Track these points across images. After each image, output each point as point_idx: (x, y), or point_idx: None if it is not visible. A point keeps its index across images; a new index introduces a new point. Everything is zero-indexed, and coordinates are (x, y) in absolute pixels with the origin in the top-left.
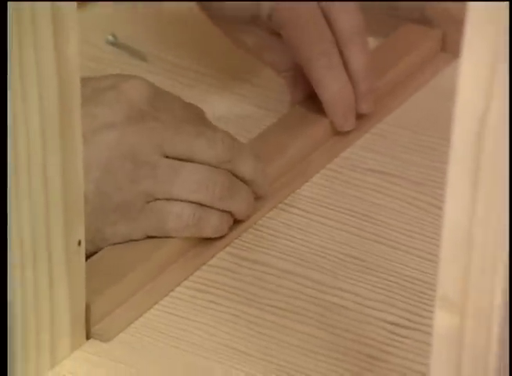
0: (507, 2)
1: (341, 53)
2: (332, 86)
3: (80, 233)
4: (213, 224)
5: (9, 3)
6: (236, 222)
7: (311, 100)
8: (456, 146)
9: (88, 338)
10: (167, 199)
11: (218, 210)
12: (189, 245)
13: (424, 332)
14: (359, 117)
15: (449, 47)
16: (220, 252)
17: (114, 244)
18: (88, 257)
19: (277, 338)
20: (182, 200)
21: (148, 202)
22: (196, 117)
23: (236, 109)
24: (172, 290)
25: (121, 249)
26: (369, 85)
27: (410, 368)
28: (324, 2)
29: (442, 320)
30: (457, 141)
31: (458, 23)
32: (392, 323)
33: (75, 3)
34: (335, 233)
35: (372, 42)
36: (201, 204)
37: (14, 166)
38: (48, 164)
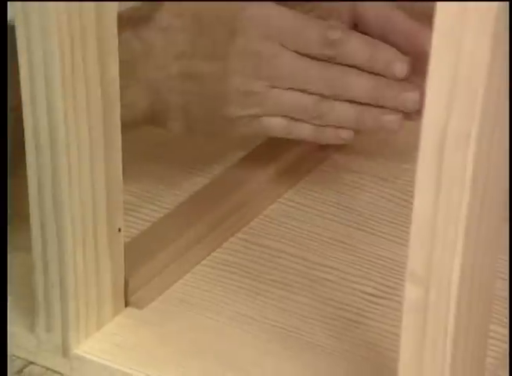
0: (507, 2)
1: None
2: None
3: (119, 222)
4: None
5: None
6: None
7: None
8: (423, 150)
9: (126, 305)
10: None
11: None
12: (207, 230)
13: (396, 301)
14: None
15: None
16: (231, 237)
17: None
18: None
19: (277, 306)
20: None
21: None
22: None
23: None
24: (193, 267)
25: (152, 234)
26: None
27: (384, 329)
28: None
29: (411, 291)
30: (424, 146)
31: None
32: (369, 294)
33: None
34: (323, 222)
35: None
36: None
37: (67, 170)
38: (95, 169)
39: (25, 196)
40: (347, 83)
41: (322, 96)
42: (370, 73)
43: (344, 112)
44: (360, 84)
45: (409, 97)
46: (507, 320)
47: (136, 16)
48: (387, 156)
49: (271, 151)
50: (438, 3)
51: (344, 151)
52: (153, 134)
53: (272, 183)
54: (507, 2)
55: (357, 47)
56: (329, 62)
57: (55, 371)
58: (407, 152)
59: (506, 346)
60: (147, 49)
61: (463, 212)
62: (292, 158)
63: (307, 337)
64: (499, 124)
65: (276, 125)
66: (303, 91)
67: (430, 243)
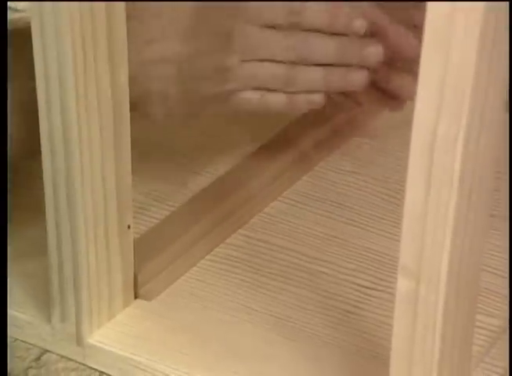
0: (507, 2)
1: None
2: None
3: (129, 219)
4: None
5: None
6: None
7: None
8: (413, 152)
9: (135, 297)
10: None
11: None
12: (211, 226)
13: (388, 293)
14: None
15: None
16: (234, 233)
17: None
18: None
19: (276, 298)
20: None
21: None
22: None
23: None
24: (199, 262)
25: (160, 230)
26: None
27: (377, 320)
28: None
29: (402, 284)
30: (414, 148)
31: None
32: (363, 286)
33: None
34: (320, 219)
35: None
36: None
37: (80, 170)
38: (105, 168)
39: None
40: (312, 47)
41: (291, 63)
42: (334, 35)
43: (312, 75)
44: (324, 46)
45: (371, 51)
46: (494, 311)
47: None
48: (378, 157)
49: (271, 153)
50: (429, 6)
51: (342, 154)
52: (157, 137)
53: (272, 183)
54: (495, 3)
55: (317, 11)
56: (293, 29)
57: (70, 359)
58: (398, 153)
59: (492, 335)
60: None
61: (451, 211)
62: (290, 160)
63: (305, 327)
64: (486, 126)
65: (252, 98)
66: (272, 61)
67: (420, 239)
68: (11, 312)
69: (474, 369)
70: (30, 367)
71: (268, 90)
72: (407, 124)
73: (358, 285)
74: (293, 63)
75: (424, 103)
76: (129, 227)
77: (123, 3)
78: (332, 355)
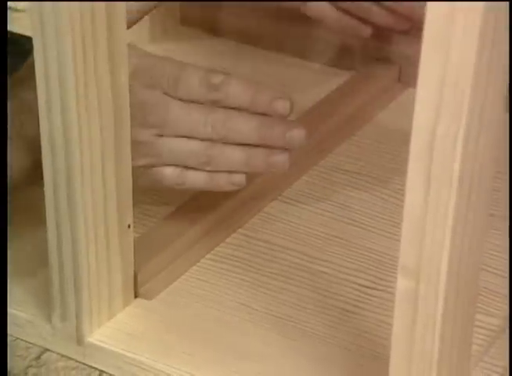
0: (507, 2)
1: None
2: None
3: (129, 219)
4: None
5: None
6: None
7: None
8: (413, 152)
9: (135, 297)
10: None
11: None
12: (211, 226)
13: (388, 292)
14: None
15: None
16: (234, 233)
17: None
18: None
19: (277, 297)
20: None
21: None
22: None
23: None
24: (199, 261)
25: (160, 230)
26: None
27: (378, 319)
28: None
29: (402, 284)
30: (414, 148)
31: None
32: (363, 286)
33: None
34: (320, 219)
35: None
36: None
37: (80, 170)
38: (106, 169)
39: None
40: (233, 126)
41: (211, 141)
42: (256, 114)
43: (232, 156)
44: (245, 126)
45: (294, 135)
46: (493, 311)
47: (16, 77)
48: (379, 157)
49: None
50: (428, 9)
51: (342, 154)
52: None
53: (271, 183)
54: (494, 3)
55: (239, 89)
56: (214, 106)
57: (70, 358)
58: (398, 153)
59: (491, 334)
60: (23, 106)
61: (451, 211)
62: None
63: (305, 326)
64: (486, 126)
65: (169, 175)
66: (191, 137)
67: (420, 239)
68: (11, 311)
69: (474, 368)
70: (31, 366)
71: (188, 168)
72: (408, 124)
73: (359, 285)
74: (213, 141)
75: (424, 103)
76: (129, 227)
77: (123, 3)
78: (332, 354)
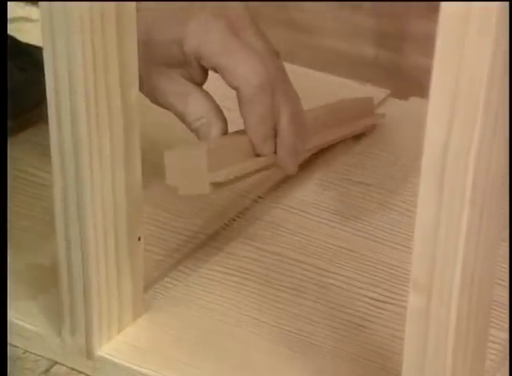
0: (507, 2)
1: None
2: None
3: (139, 232)
4: None
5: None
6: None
7: None
8: (426, 165)
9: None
10: None
11: None
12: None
13: (400, 306)
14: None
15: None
16: (243, 245)
17: None
18: None
19: (286, 310)
20: None
21: None
22: None
23: None
24: (208, 274)
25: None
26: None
27: (389, 333)
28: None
29: (414, 298)
30: (426, 161)
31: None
32: (375, 299)
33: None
34: (331, 231)
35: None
36: None
37: (90, 182)
38: (115, 180)
39: None
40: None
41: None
42: None
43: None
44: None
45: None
46: (506, 325)
47: None
48: (392, 170)
49: None
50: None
51: (353, 165)
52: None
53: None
54: (507, 2)
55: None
56: None
57: (80, 371)
58: (411, 166)
59: (505, 350)
60: None
61: (463, 224)
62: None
63: (314, 340)
64: (498, 138)
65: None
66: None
67: (432, 253)
68: (21, 323)
69: None
70: None
71: None
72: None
73: (370, 298)
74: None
75: (436, 116)
76: (139, 239)
77: (133, 14)
78: (342, 369)
